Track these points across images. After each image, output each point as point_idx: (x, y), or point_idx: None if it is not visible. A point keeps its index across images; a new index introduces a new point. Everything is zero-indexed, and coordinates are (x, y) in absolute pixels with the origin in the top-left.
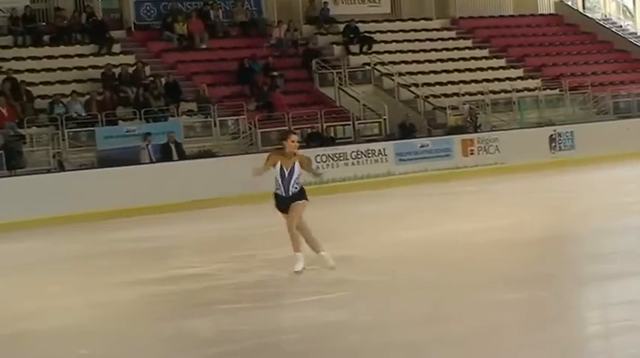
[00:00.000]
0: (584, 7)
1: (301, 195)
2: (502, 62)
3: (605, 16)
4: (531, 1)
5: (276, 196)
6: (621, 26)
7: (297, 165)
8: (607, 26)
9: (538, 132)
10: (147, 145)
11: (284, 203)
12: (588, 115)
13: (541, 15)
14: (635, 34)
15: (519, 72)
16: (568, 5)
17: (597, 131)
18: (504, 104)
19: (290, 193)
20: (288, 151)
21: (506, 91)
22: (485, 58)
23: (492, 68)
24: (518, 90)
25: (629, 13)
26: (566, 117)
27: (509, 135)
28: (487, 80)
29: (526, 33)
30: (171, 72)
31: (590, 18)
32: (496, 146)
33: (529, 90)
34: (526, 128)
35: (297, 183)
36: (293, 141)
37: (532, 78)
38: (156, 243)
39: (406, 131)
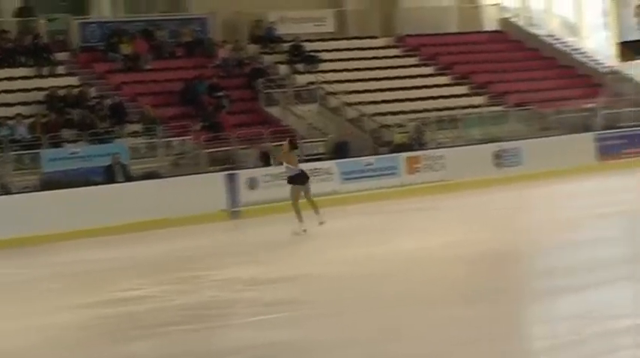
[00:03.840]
0: (528, 24)
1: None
2: (447, 79)
3: (550, 32)
4: (476, 18)
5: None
6: (565, 42)
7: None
8: (551, 42)
9: (483, 148)
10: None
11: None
12: (533, 131)
13: (486, 32)
14: (579, 50)
15: (465, 89)
16: (512, 22)
17: (542, 147)
18: (450, 121)
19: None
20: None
21: (451, 108)
22: (431, 75)
23: (438, 85)
24: (463, 107)
25: (573, 29)
26: (511, 134)
27: (454, 152)
28: (432, 97)
29: (471, 50)
30: (116, 93)
31: (535, 34)
32: (442, 163)
33: (474, 107)
34: (471, 145)
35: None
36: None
37: (477, 95)
38: (100, 266)
39: (342, 150)
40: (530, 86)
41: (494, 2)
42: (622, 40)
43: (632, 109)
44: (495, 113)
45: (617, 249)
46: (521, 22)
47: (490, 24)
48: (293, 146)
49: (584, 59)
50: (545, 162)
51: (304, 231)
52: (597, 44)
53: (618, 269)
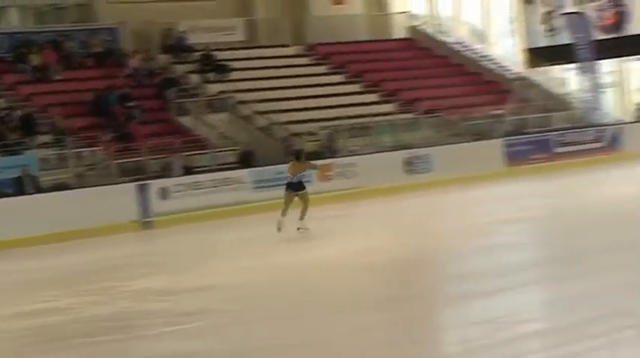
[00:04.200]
0: (437, 31)
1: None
2: (358, 87)
3: (458, 39)
4: (385, 26)
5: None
6: (474, 49)
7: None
8: (460, 49)
9: (394, 155)
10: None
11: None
12: (443, 138)
13: (395, 40)
14: (487, 56)
15: (375, 97)
16: (421, 30)
17: (452, 153)
18: (361, 129)
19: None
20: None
21: (362, 116)
22: (341, 83)
23: (348, 93)
24: (374, 115)
25: (481, 36)
26: (421, 141)
27: (365, 160)
28: (343, 105)
29: (381, 58)
30: (25, 104)
31: (444, 42)
32: (353, 171)
33: (385, 114)
34: (382, 152)
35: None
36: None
37: (387, 102)
38: (11, 278)
39: (251, 159)
40: (439, 93)
41: (403, 10)
42: (529, 47)
43: (540, 115)
44: (405, 120)
45: (526, 254)
46: (430, 30)
47: (399, 32)
48: (297, 157)
49: (493, 66)
50: (455, 168)
51: (279, 229)
52: (505, 51)
53: (527, 274)
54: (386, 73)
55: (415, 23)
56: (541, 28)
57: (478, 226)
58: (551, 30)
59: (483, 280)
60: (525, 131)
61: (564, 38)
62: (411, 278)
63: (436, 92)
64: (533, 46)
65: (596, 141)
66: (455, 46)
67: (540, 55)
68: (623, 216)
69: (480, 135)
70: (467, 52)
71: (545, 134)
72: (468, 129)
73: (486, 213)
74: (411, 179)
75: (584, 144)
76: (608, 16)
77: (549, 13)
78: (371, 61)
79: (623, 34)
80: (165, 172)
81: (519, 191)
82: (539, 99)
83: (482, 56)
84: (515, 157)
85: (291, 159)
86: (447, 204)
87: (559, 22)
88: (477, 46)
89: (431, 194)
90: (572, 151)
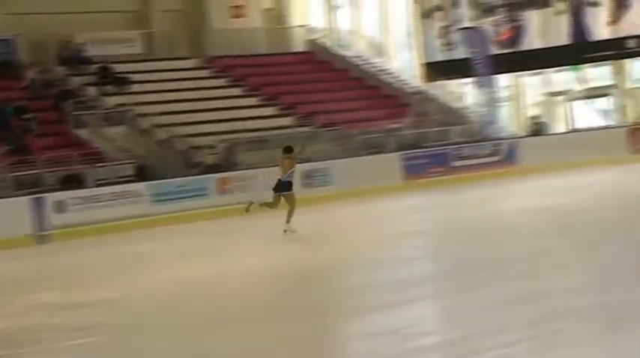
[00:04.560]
0: (336, 45)
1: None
2: (257, 100)
3: (357, 53)
4: (284, 40)
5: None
6: (372, 63)
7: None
8: (359, 63)
9: None
10: None
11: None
12: (342, 151)
13: (294, 53)
14: (386, 70)
15: (274, 110)
16: (320, 43)
17: (351, 167)
18: (259, 142)
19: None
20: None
21: (261, 129)
22: (240, 96)
23: (247, 106)
24: (273, 128)
25: (380, 49)
26: (320, 154)
27: (264, 173)
28: (242, 119)
29: (280, 71)
30: None
31: (342, 55)
32: (252, 184)
33: (283, 127)
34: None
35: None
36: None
37: (286, 115)
38: None
39: (143, 173)
40: (338, 106)
41: (303, 24)
42: (427, 61)
43: (437, 129)
44: (304, 133)
45: (423, 267)
46: (328, 43)
47: (299, 45)
48: (288, 151)
49: (391, 79)
50: (354, 181)
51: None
52: (403, 65)
53: (424, 287)
54: (285, 86)
55: (314, 36)
56: (438, 42)
57: (376, 239)
58: (448, 44)
59: (383, 292)
60: (423, 145)
61: (461, 53)
62: (309, 290)
63: (335, 105)
64: (430, 61)
65: (492, 154)
66: (354, 59)
67: (438, 70)
68: (517, 229)
69: (378, 148)
70: (365, 66)
71: (443, 148)
72: (367, 143)
73: (383, 226)
74: (310, 192)
75: (481, 157)
76: (504, 31)
77: (446, 27)
78: (270, 74)
79: (518, 49)
80: (64, 185)
81: (416, 204)
82: (437, 113)
83: (380, 70)
84: (413, 171)
85: (283, 156)
86: (345, 218)
87: (456, 36)
88: (376, 60)
89: (329, 207)
90: (470, 165)
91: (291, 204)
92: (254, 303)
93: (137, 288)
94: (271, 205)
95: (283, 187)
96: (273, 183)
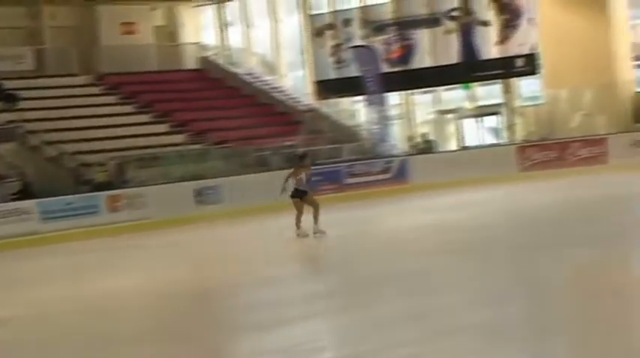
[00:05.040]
0: (228, 62)
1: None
2: (148, 118)
3: (249, 70)
4: (176, 57)
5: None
6: (264, 81)
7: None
8: (251, 81)
9: (184, 186)
10: None
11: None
12: (233, 169)
13: (186, 70)
14: (278, 88)
15: (165, 127)
16: (212, 60)
17: (242, 184)
18: (151, 159)
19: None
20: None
21: (152, 147)
22: (132, 113)
23: (138, 124)
24: (164, 146)
25: (272, 67)
26: (211, 171)
27: (155, 190)
28: (133, 136)
29: (171, 88)
30: None
31: (234, 73)
32: (143, 201)
33: (175, 145)
34: (172, 183)
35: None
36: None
37: (178, 133)
38: None
39: (28, 191)
40: (230, 124)
41: (194, 41)
42: (319, 79)
43: (329, 146)
44: (196, 151)
45: (314, 284)
46: (220, 61)
47: (190, 62)
48: (303, 159)
49: (283, 97)
50: (245, 199)
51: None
52: (295, 82)
53: (317, 303)
54: (176, 103)
55: (206, 54)
56: (330, 60)
57: (267, 257)
58: (339, 62)
59: (275, 310)
60: (316, 162)
61: (353, 71)
62: (202, 308)
63: (227, 123)
64: (322, 78)
65: (384, 172)
66: (246, 77)
67: (329, 87)
68: (408, 246)
69: (269, 166)
70: (258, 83)
71: (335, 165)
72: (258, 160)
73: (274, 244)
74: (202, 210)
75: (373, 175)
76: (395, 50)
77: (338, 45)
78: (161, 91)
79: (409, 67)
80: None
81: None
82: (330, 131)
83: (272, 87)
84: None
85: (296, 164)
86: (236, 235)
87: (347, 54)
88: (268, 78)
89: (222, 225)
90: (361, 182)
91: (315, 205)
92: (149, 322)
93: (26, 307)
94: (298, 215)
95: (301, 193)
96: (289, 191)
